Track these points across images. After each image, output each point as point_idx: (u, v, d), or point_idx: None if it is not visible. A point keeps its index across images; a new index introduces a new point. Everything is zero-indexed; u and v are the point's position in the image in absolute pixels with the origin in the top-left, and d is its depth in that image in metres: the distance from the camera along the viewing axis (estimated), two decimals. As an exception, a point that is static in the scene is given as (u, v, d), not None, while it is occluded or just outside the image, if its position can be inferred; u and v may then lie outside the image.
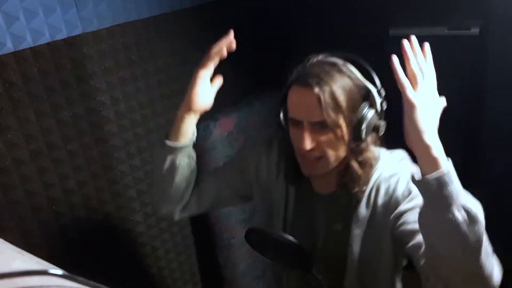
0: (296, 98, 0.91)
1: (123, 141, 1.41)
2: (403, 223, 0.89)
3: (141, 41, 1.42)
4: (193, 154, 1.10)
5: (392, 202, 0.92)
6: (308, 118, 0.89)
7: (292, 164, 1.01)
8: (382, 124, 0.92)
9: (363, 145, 0.93)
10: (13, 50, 1.07)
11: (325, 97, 0.85)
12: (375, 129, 0.92)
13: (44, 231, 1.22)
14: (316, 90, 0.85)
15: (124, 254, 1.49)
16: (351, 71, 0.90)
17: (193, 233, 1.78)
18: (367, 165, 0.95)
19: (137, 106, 1.45)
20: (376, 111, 0.91)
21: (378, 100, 0.91)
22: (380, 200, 0.94)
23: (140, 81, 1.44)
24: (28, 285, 0.38)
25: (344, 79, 0.88)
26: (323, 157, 0.92)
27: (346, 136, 0.91)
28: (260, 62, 1.99)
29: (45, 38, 1.13)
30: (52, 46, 1.15)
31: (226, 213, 1.72)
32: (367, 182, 0.95)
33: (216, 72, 1.86)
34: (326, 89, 0.86)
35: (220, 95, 1.80)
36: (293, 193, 1.06)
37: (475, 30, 1.68)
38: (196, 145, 1.64)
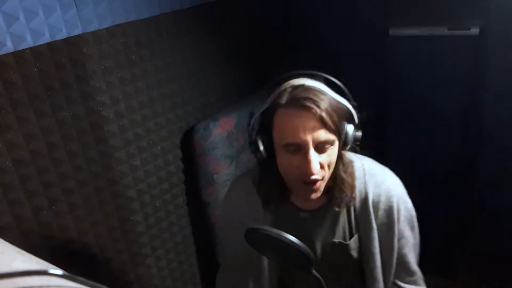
0: (293, 121, 0.89)
1: (123, 141, 1.42)
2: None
3: (141, 41, 1.42)
4: None
5: (395, 223, 1.02)
6: (313, 139, 0.88)
7: (272, 191, 1.03)
8: (360, 135, 0.97)
9: (345, 156, 1.01)
10: (13, 50, 1.07)
11: (325, 116, 0.87)
12: (356, 140, 0.97)
13: (44, 231, 1.22)
14: (317, 111, 0.87)
15: (124, 254, 1.49)
16: (331, 91, 0.92)
17: (193, 233, 1.79)
18: (348, 171, 1.01)
19: (137, 106, 1.45)
20: (356, 124, 0.95)
21: (356, 114, 0.95)
22: (376, 209, 1.02)
23: (140, 81, 1.44)
24: (28, 285, 0.38)
25: (330, 100, 0.91)
26: (323, 177, 0.94)
27: (338, 152, 0.95)
28: (259, 62, 1.99)
29: (45, 38, 1.13)
30: (52, 46, 1.15)
31: (226, 213, 1.73)
32: (353, 187, 1.01)
33: (216, 72, 1.87)
34: (323, 107, 0.87)
35: (220, 95, 1.81)
36: (276, 219, 1.06)
37: (475, 30, 1.68)
38: (196, 145, 1.65)
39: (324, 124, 0.87)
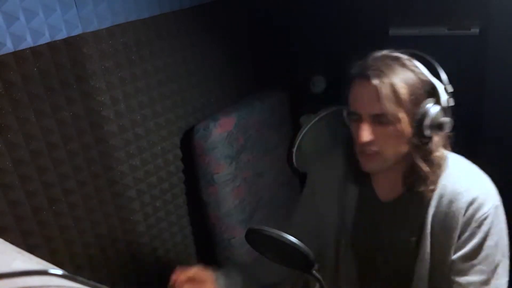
0: (355, 90, 0.90)
1: (123, 141, 1.41)
2: (460, 275, 0.91)
3: (141, 41, 1.42)
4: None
5: (458, 229, 0.91)
6: (366, 110, 0.87)
7: (354, 163, 0.99)
8: (448, 121, 0.89)
9: (429, 143, 0.91)
10: (13, 50, 1.07)
11: (384, 89, 0.84)
12: (440, 126, 0.89)
13: (44, 231, 1.22)
14: (375, 81, 0.84)
15: (124, 254, 1.49)
16: (415, 66, 0.88)
17: (193, 233, 1.78)
18: (434, 164, 0.93)
19: (137, 106, 1.45)
20: (442, 108, 0.88)
21: (443, 96, 0.88)
22: (447, 213, 0.92)
23: (140, 81, 1.44)
24: (28, 285, 0.38)
25: (407, 73, 0.86)
26: (380, 151, 0.90)
27: (407, 132, 0.88)
28: (260, 62, 1.99)
29: (45, 38, 1.13)
30: (52, 46, 1.15)
31: (226, 213, 1.72)
32: (435, 182, 0.93)
33: (216, 72, 1.87)
34: (386, 81, 0.84)
35: (220, 95, 1.81)
36: (355, 199, 1.04)
37: (475, 30, 1.68)
38: (196, 145, 1.65)
39: (383, 97, 0.84)
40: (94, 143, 1.32)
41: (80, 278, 0.40)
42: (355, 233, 1.06)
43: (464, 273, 0.91)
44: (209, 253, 1.82)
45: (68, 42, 1.19)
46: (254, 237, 0.86)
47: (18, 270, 0.39)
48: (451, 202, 0.92)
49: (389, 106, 0.84)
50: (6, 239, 0.51)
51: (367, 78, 0.86)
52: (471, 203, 0.90)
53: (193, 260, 1.81)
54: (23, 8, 1.07)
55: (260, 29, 1.99)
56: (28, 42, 1.10)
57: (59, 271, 0.40)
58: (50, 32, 1.14)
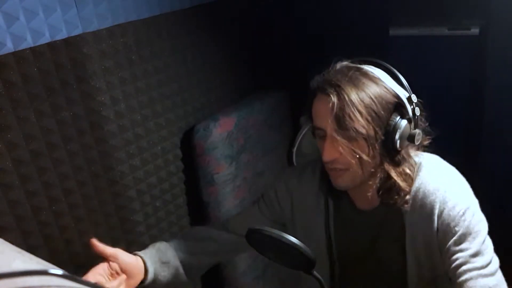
0: (317, 106, 0.88)
1: (123, 141, 1.41)
2: (456, 271, 0.86)
3: (141, 41, 1.42)
4: (171, 270, 1.11)
5: (442, 227, 0.88)
6: (331, 127, 0.85)
7: (327, 177, 0.97)
8: (418, 133, 0.88)
9: (400, 156, 0.89)
10: (13, 50, 1.06)
11: (343, 106, 0.81)
12: (410, 139, 0.87)
13: (44, 231, 1.22)
14: (334, 99, 0.82)
15: (124, 254, 1.49)
16: (377, 77, 0.85)
17: (193, 233, 1.78)
18: (406, 175, 0.91)
19: (137, 106, 1.45)
20: (409, 119, 0.86)
21: (409, 107, 0.86)
22: (427, 216, 0.90)
23: (140, 81, 1.44)
24: (28, 285, 0.38)
25: (370, 85, 0.84)
26: (347, 168, 0.88)
27: (375, 147, 0.86)
28: (259, 62, 1.99)
29: (45, 38, 1.13)
30: (52, 46, 1.15)
31: (226, 213, 1.72)
32: (409, 193, 0.91)
33: (216, 72, 1.87)
34: (346, 97, 0.81)
35: (220, 95, 1.81)
36: (333, 210, 1.03)
37: (475, 30, 1.68)
38: (196, 145, 1.65)
39: (345, 113, 0.81)
40: (94, 143, 1.32)
41: (80, 278, 0.40)
42: (339, 245, 1.06)
43: (456, 254, 0.87)
44: (209, 253, 1.82)
45: (68, 42, 1.19)
46: (254, 237, 0.86)
47: (18, 270, 0.39)
48: (423, 204, 0.91)
49: (353, 122, 0.82)
50: (6, 239, 0.51)
51: (327, 94, 0.84)
52: (443, 202, 0.88)
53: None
54: (23, 8, 1.07)
55: (260, 29, 1.99)
56: (28, 42, 1.09)
57: (59, 271, 0.40)
58: (50, 32, 1.14)
